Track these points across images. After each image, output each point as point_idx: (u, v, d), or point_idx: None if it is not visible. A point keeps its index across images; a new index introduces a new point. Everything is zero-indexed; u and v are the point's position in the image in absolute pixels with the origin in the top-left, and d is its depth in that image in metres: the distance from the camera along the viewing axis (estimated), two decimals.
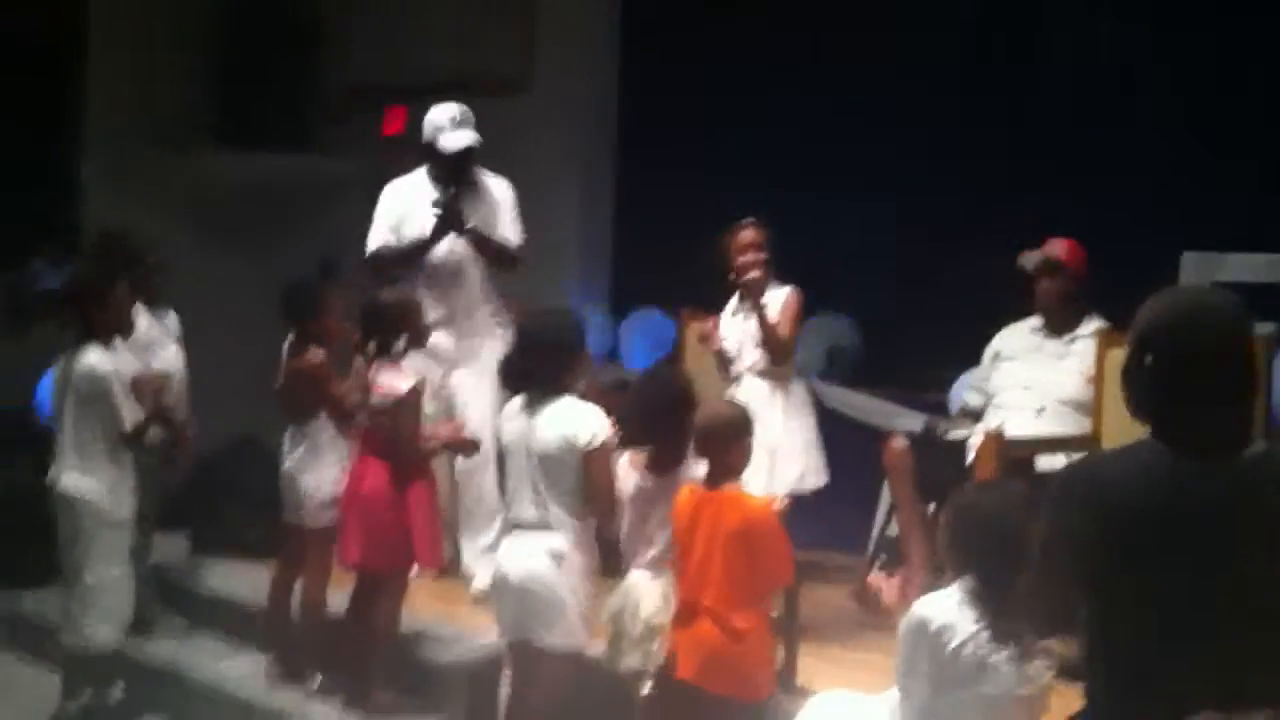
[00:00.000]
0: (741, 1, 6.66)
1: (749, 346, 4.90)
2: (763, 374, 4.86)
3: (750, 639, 3.58)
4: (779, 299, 4.88)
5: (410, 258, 5.22)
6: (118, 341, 4.73)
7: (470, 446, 4.69)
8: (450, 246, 5.22)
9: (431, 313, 5.09)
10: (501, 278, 5.37)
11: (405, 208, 5.32)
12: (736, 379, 4.92)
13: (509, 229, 5.35)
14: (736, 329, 4.97)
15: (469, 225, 5.18)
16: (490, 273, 5.31)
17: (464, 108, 5.26)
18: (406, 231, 5.28)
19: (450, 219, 5.14)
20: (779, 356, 4.83)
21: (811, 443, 4.86)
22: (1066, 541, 2.23)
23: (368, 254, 5.37)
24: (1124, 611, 2.21)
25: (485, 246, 5.24)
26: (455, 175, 5.26)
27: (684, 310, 5.71)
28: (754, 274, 4.83)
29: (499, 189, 5.37)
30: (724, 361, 4.98)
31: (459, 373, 5.23)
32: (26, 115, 7.78)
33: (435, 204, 5.15)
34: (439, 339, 5.17)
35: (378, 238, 5.36)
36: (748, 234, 4.92)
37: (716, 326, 5.01)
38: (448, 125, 5.22)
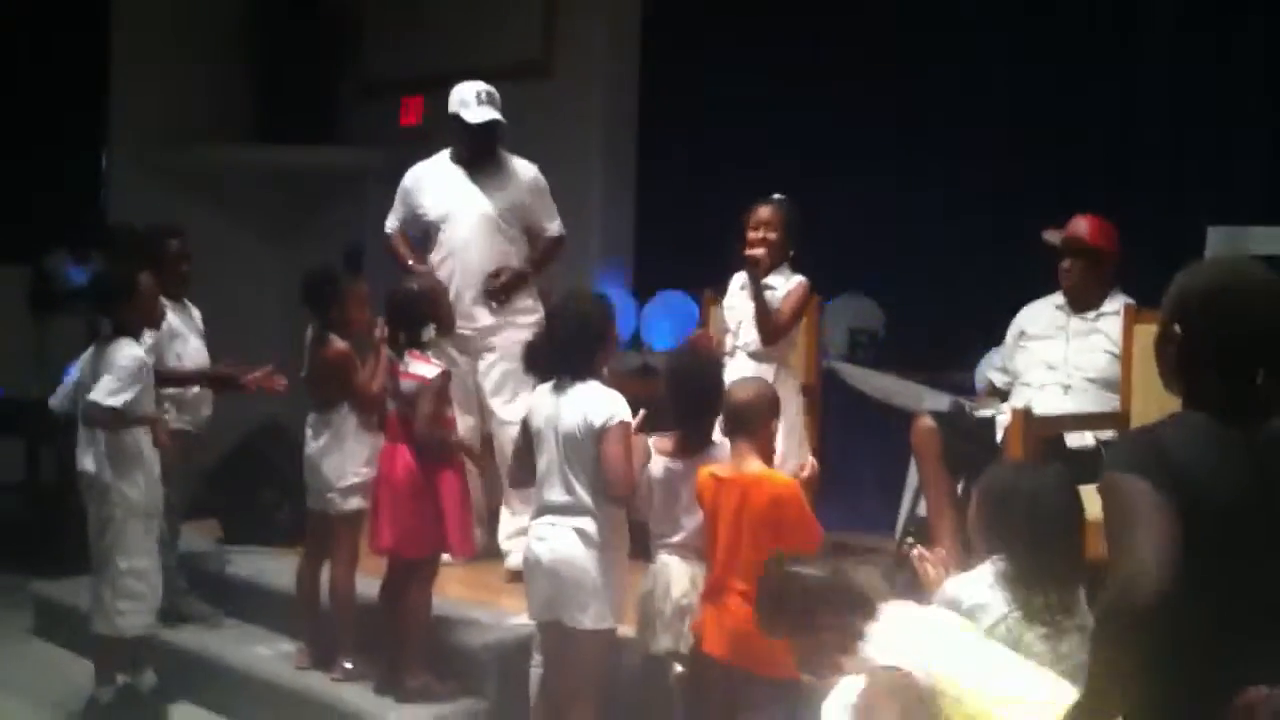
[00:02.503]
0: None
1: (747, 324, 4.81)
2: (755, 355, 4.76)
3: None
4: (787, 284, 4.80)
5: (399, 265, 5.28)
6: (155, 331, 4.76)
7: (471, 453, 4.74)
8: (469, 234, 5.23)
9: (460, 304, 5.12)
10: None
11: (424, 190, 5.33)
12: (730, 354, 4.83)
13: (545, 213, 5.36)
14: (739, 305, 4.91)
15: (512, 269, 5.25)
16: (504, 256, 5.28)
17: (490, 87, 5.27)
18: (428, 215, 5.30)
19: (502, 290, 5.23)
20: (770, 337, 4.73)
21: (794, 430, 4.67)
22: (1155, 500, 2.14)
23: (385, 232, 5.43)
24: (1186, 582, 2.13)
25: (538, 266, 5.34)
26: (477, 150, 5.27)
27: (707, 292, 5.71)
28: (758, 251, 4.74)
29: (527, 173, 5.36)
30: (721, 334, 4.94)
31: (489, 358, 5.24)
32: (52, 107, 7.82)
33: (488, 295, 5.21)
34: (470, 329, 5.20)
35: (394, 218, 5.42)
36: (763, 211, 4.84)
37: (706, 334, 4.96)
38: (473, 100, 5.22)
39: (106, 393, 4.49)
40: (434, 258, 5.28)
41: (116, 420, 4.54)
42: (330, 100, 8.31)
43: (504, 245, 5.28)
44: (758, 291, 4.72)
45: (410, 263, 5.29)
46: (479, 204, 5.24)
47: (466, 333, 5.19)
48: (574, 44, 7.33)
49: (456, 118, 5.25)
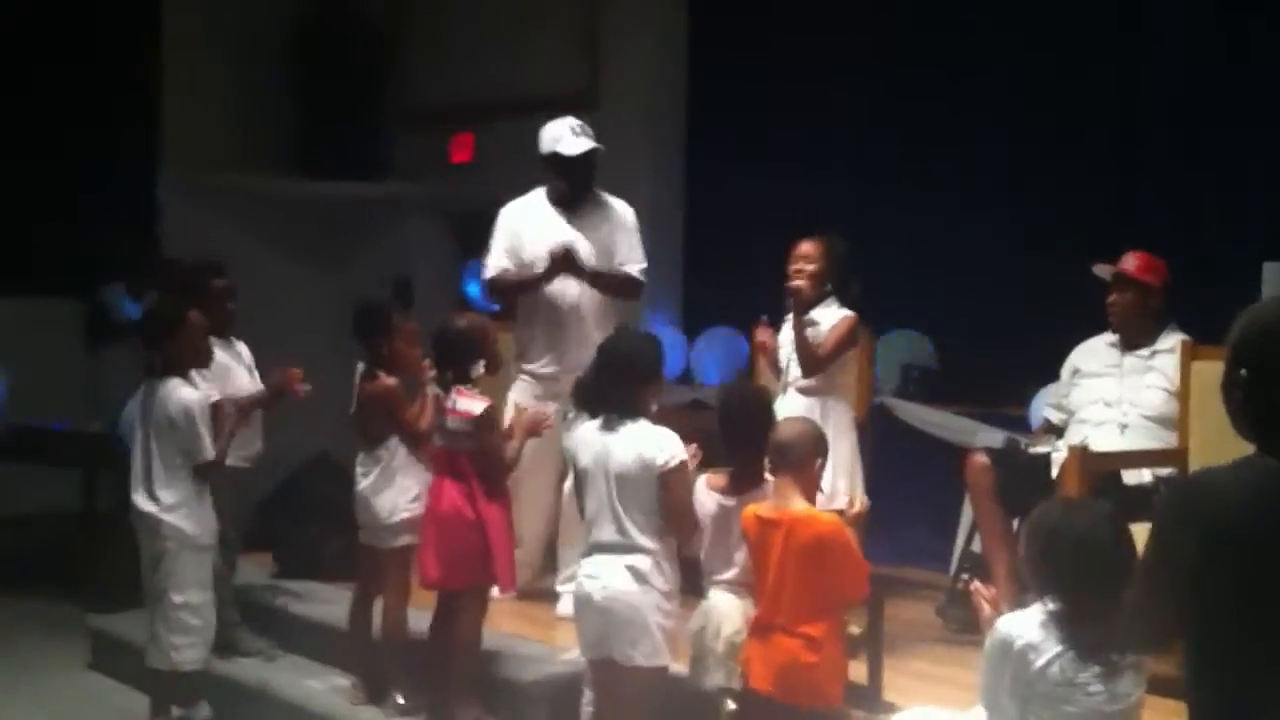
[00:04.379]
0: (810, 18, 6.63)
1: (794, 361, 4.81)
2: (805, 390, 4.73)
3: (823, 648, 3.58)
4: (832, 318, 4.77)
5: (525, 290, 5.23)
6: (205, 368, 4.82)
7: (542, 421, 4.65)
8: (571, 285, 5.21)
9: (543, 344, 5.15)
10: (621, 305, 5.37)
11: (523, 229, 5.30)
12: (782, 390, 4.83)
13: (631, 252, 5.32)
14: (787, 341, 4.91)
15: (587, 265, 5.18)
16: (606, 303, 5.27)
17: (581, 122, 5.23)
18: (525, 255, 5.26)
19: (564, 263, 5.14)
20: (810, 369, 4.71)
21: (841, 465, 4.61)
22: (1175, 557, 2.18)
23: (486, 278, 5.40)
24: (1230, 633, 2.16)
25: (604, 283, 5.24)
26: (577, 185, 5.24)
27: (755, 326, 5.71)
28: (796, 283, 4.73)
29: (621, 210, 5.34)
30: (775, 372, 4.94)
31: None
32: (107, 140, 7.93)
33: (552, 253, 5.15)
34: (551, 370, 5.21)
35: (496, 262, 5.34)
36: (803, 247, 4.84)
37: (772, 336, 4.96)
38: (567, 134, 5.19)
39: (209, 447, 4.65)
40: (532, 297, 5.25)
41: (217, 472, 4.70)
42: (374, 131, 8.36)
43: (595, 297, 5.23)
44: (799, 323, 4.72)
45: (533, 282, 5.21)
46: (579, 248, 5.22)
47: (566, 376, 5.09)
48: (620, 74, 7.34)
49: (554, 155, 5.20)
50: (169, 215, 8.24)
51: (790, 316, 4.81)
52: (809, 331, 4.73)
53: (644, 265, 5.35)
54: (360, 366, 4.79)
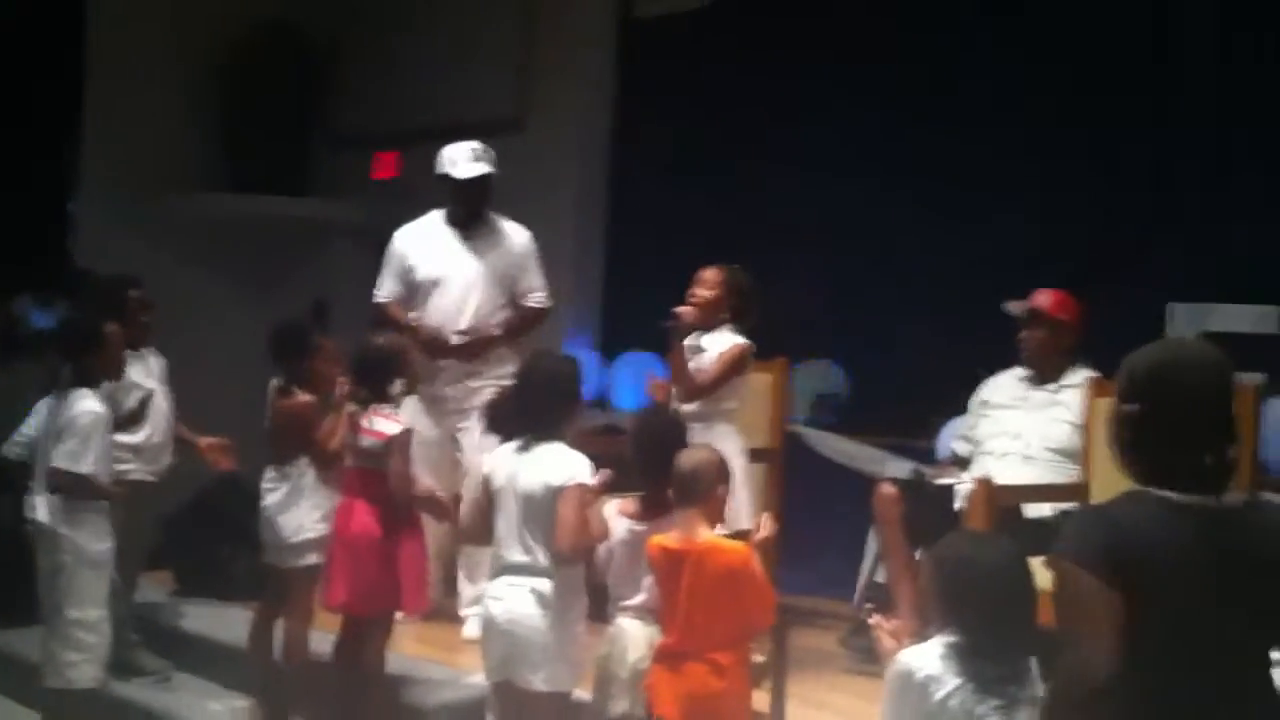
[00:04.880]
0: (739, 47, 6.70)
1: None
2: (689, 416, 4.59)
3: (729, 676, 3.57)
4: (721, 344, 4.75)
5: (403, 333, 5.18)
6: (117, 382, 4.75)
7: (440, 510, 4.63)
8: (461, 297, 5.22)
9: (430, 367, 5.12)
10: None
11: (414, 253, 5.32)
12: None
13: (532, 281, 5.35)
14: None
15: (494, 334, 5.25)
16: (504, 325, 5.31)
17: (483, 146, 5.28)
18: (418, 276, 5.28)
19: (474, 347, 5.20)
20: (687, 395, 4.66)
21: (738, 488, 4.44)
22: (1094, 581, 2.25)
23: (374, 302, 5.40)
24: (1136, 659, 2.24)
25: (514, 336, 5.30)
26: (469, 208, 5.26)
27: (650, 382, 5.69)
28: (683, 308, 4.70)
29: (519, 236, 5.37)
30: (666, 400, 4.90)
31: (467, 422, 5.22)
32: (20, 152, 7.80)
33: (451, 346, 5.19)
34: (451, 389, 5.20)
35: (387, 288, 5.36)
36: (704, 273, 4.84)
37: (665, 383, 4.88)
38: (462, 158, 5.23)
39: (69, 458, 4.49)
40: (424, 319, 5.26)
41: (80, 487, 4.54)
42: (300, 152, 8.31)
43: (493, 310, 5.26)
44: (677, 350, 4.69)
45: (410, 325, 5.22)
46: (471, 267, 5.24)
47: (449, 393, 5.18)
48: (547, 100, 7.36)
49: (446, 177, 5.25)
50: (84, 225, 8.11)
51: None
52: (695, 358, 4.72)
53: (544, 293, 5.38)
54: (274, 383, 4.74)
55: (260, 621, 4.77)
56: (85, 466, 4.52)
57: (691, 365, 4.73)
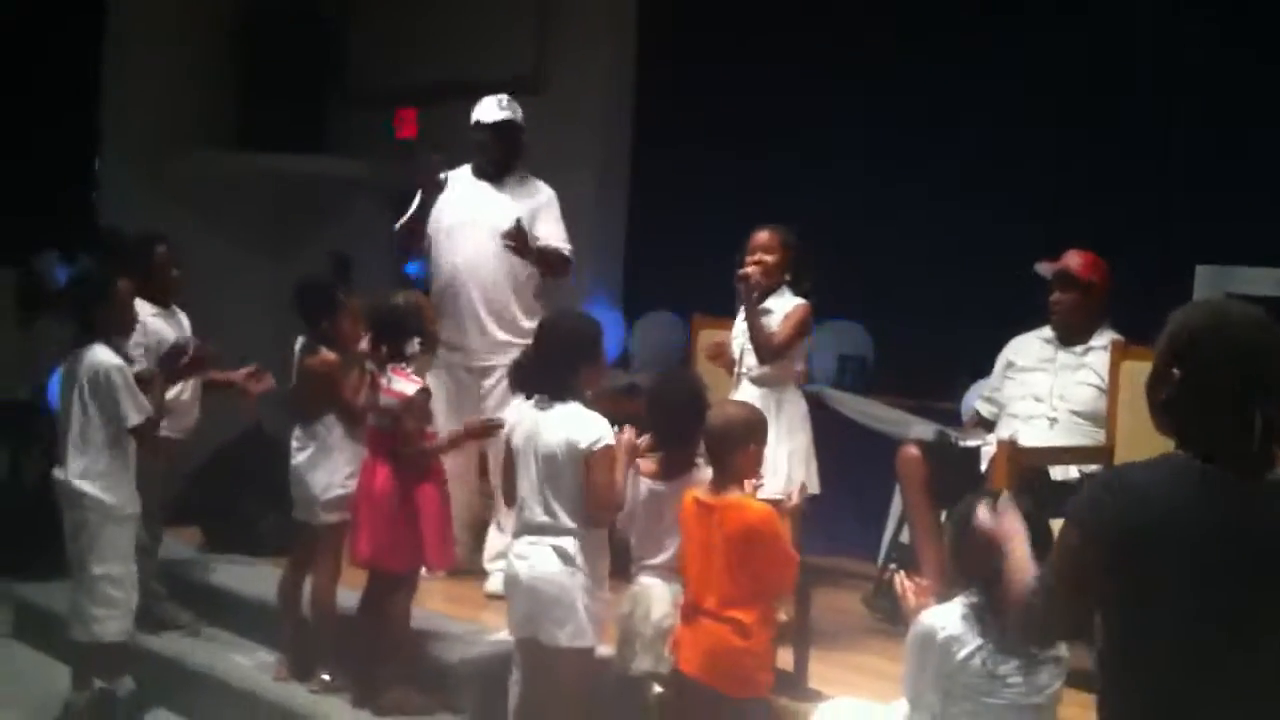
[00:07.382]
0: (762, 9, 6.65)
1: (748, 350, 4.69)
2: (758, 380, 4.61)
3: (752, 635, 3.59)
4: (785, 306, 4.67)
5: (415, 228, 5.31)
6: (127, 338, 4.76)
7: (492, 429, 4.60)
8: (483, 252, 5.24)
9: (466, 317, 5.17)
10: (549, 283, 5.41)
11: (442, 199, 5.33)
12: (736, 382, 4.74)
13: (554, 232, 5.36)
14: (740, 332, 4.88)
15: (535, 243, 5.23)
16: (530, 279, 5.33)
17: (509, 98, 5.34)
18: (444, 220, 5.31)
19: (518, 237, 5.16)
20: (765, 357, 4.58)
21: (798, 454, 4.55)
22: (1091, 552, 2.22)
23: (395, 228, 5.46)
24: (1143, 628, 2.20)
25: (546, 262, 5.30)
26: (496, 155, 5.30)
27: (696, 315, 5.71)
28: (747, 271, 4.63)
29: (545, 192, 5.40)
30: (728, 367, 4.90)
31: (494, 375, 5.22)
32: (45, 110, 7.82)
33: (505, 235, 5.15)
34: (475, 343, 5.22)
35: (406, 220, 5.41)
36: (760, 237, 4.73)
37: (725, 344, 4.87)
38: (492, 104, 5.31)
39: (135, 411, 4.53)
40: (442, 263, 5.29)
41: (153, 430, 4.60)
42: (319, 110, 8.30)
43: (514, 259, 5.26)
44: (751, 314, 4.64)
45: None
46: (494, 215, 5.23)
47: (474, 345, 5.20)
48: (568, 59, 7.32)
49: (476, 125, 5.31)
50: (107, 183, 8.13)
51: (743, 306, 4.71)
52: (762, 320, 4.70)
53: (567, 244, 5.39)
54: (300, 341, 4.76)
55: (290, 577, 4.82)
56: (135, 417, 4.53)
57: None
